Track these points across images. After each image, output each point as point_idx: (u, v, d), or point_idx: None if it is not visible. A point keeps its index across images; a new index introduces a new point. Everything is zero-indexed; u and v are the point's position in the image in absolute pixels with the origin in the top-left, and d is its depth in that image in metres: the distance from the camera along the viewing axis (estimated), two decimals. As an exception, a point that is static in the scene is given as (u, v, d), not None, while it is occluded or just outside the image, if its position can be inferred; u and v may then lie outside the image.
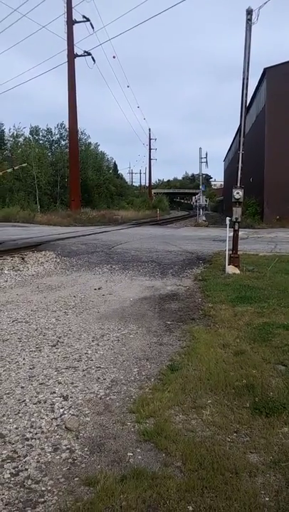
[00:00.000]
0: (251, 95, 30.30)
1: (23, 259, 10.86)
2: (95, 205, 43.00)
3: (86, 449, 2.76)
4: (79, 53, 31.71)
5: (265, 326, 5.15)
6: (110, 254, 11.61)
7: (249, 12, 8.97)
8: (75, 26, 31.23)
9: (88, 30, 35.20)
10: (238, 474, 2.48)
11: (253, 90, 30.27)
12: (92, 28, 32.68)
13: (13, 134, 43.86)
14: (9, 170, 31.77)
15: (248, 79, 9.14)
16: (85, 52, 31.79)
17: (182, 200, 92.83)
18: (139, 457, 2.66)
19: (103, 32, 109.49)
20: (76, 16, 31.47)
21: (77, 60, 31.71)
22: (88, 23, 31.12)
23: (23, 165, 32.84)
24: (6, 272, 9.34)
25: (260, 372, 3.82)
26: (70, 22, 30.92)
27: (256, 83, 29.46)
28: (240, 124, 9.39)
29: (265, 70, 27.04)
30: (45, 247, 12.61)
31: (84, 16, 31.09)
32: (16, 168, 32.00)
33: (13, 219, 27.71)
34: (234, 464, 2.56)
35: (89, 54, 31.85)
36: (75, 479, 2.45)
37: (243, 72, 9.12)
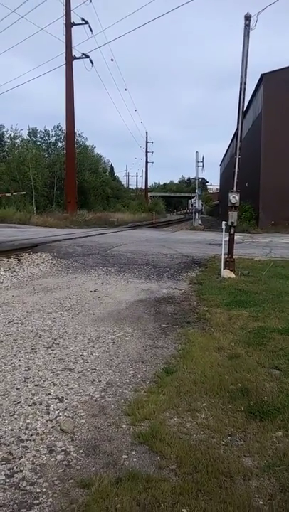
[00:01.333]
0: (248, 101, 30.46)
1: (19, 260, 10.84)
2: (91, 207, 42.94)
3: (81, 451, 2.76)
4: (77, 56, 31.78)
5: (260, 330, 5.18)
6: (106, 257, 11.62)
7: (247, 18, 9.03)
8: (74, 29, 31.29)
9: (87, 32, 35.18)
10: (233, 478, 2.49)
11: (250, 96, 30.44)
12: (91, 30, 32.58)
13: (10, 135, 43.83)
14: (8, 194, 31.99)
15: (245, 84, 9.20)
16: (83, 54, 31.86)
17: (178, 204, 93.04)
18: (134, 460, 2.67)
19: (102, 35, 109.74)
20: (75, 18, 31.55)
21: (75, 62, 31.78)
22: (87, 25, 31.23)
23: (22, 193, 33.04)
24: (1, 273, 9.32)
25: (255, 376, 3.85)
26: (69, 24, 30.97)
27: (253, 89, 29.65)
28: (237, 128, 9.45)
29: (262, 75, 27.21)
30: (42, 248, 12.59)
31: (82, 19, 31.18)
32: (14, 194, 32.17)
33: (9, 220, 27.64)
34: (228, 468, 2.58)
35: (87, 56, 31.94)
36: (70, 481, 2.45)
37: (241, 77, 9.18)
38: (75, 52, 31.75)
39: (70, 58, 31.24)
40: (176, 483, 2.43)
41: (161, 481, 2.44)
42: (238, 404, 3.35)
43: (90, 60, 32.26)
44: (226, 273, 8.91)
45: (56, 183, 41.40)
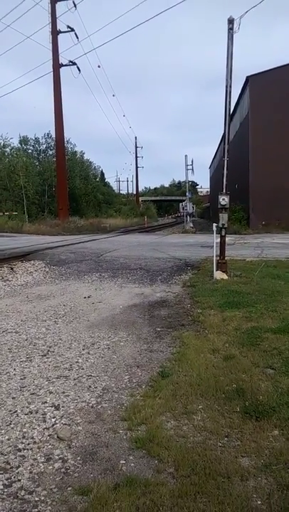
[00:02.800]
0: (235, 103, 30.70)
1: (11, 269, 10.81)
2: (83, 213, 42.92)
3: (79, 458, 2.76)
4: (64, 63, 31.83)
5: (254, 330, 5.21)
6: (99, 263, 11.62)
7: (231, 21, 9.12)
8: (60, 36, 31.36)
9: (73, 40, 35.17)
10: (230, 478, 2.51)
11: (237, 98, 30.67)
12: (77, 37, 32.77)
13: (0, 144, 43.74)
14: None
15: (231, 87, 9.28)
16: (70, 61, 31.88)
17: (169, 207, 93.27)
18: (132, 465, 2.68)
19: (88, 41, 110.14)
20: (61, 26, 31.65)
21: (62, 69, 31.82)
22: (73, 33, 31.31)
23: (14, 213, 33.12)
24: (-6, 282, 9.28)
25: (250, 376, 3.87)
26: (55, 32, 31.01)
27: (239, 91, 29.88)
28: (225, 131, 9.52)
29: (248, 78, 27.43)
30: (34, 256, 12.56)
31: (68, 26, 31.20)
32: (6, 213, 32.25)
33: (1, 229, 27.57)
34: (226, 469, 2.59)
35: (74, 64, 31.97)
36: (69, 489, 2.46)
37: (226, 80, 9.26)
38: (62, 60, 31.77)
39: (57, 66, 31.27)
40: (175, 487, 2.44)
41: (159, 484, 2.45)
42: (233, 404, 3.37)
43: (77, 67, 32.30)
44: (218, 275, 8.95)
45: (47, 191, 41.38)
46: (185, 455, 2.72)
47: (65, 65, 31.78)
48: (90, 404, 3.50)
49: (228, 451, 2.79)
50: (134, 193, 79.41)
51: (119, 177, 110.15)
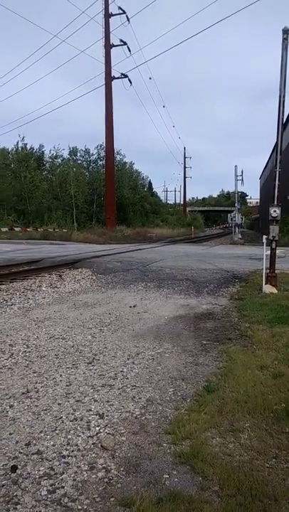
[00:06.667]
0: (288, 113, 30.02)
1: (60, 276, 11.08)
2: (130, 222, 43.45)
3: (122, 468, 2.75)
4: (116, 76, 32.61)
5: (305, 347, 5.00)
6: (145, 272, 11.66)
7: (285, 31, 8.98)
8: (113, 50, 32.20)
9: (125, 53, 36.00)
10: (278, 501, 2.40)
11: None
12: (129, 51, 33.44)
13: (52, 154, 45.32)
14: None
15: (284, 97, 9.10)
16: (122, 74, 32.68)
17: (217, 218, 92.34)
18: (176, 479, 2.63)
19: (140, 54, 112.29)
20: (114, 39, 32.47)
21: (114, 82, 32.60)
22: (125, 46, 32.05)
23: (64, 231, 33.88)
24: (44, 288, 9.55)
25: (300, 395, 3.70)
26: (108, 46, 31.91)
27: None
28: (277, 141, 9.33)
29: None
30: (82, 264, 12.81)
31: (121, 40, 32.06)
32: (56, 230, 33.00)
33: (51, 237, 28.41)
34: (273, 491, 2.48)
35: (126, 76, 32.72)
36: (111, 499, 2.44)
37: (280, 90, 9.10)
38: (114, 72, 32.64)
39: (109, 79, 32.10)
40: (219, 506, 2.36)
41: (203, 502, 2.38)
42: (282, 425, 3.23)
43: (129, 80, 33.04)
44: (267, 288, 8.71)
45: (96, 200, 42.31)
46: (231, 474, 2.63)
47: (117, 78, 32.59)
48: (134, 415, 3.48)
49: (275, 473, 2.68)
50: (182, 202, 79.41)
51: (166, 187, 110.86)
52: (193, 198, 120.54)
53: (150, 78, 56.64)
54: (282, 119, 9.21)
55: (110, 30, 31.90)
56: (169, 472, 2.70)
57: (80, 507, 2.38)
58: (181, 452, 2.89)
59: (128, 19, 31.66)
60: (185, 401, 3.74)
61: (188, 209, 79.17)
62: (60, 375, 4.36)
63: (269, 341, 5.37)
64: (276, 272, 9.26)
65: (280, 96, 9.09)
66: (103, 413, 3.51)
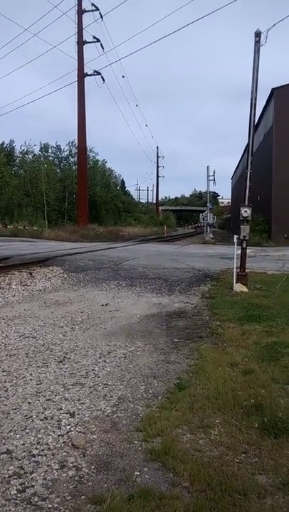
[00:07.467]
0: (259, 115, 30.60)
1: (30, 274, 10.91)
2: (102, 221, 43.21)
3: (93, 466, 2.73)
4: (89, 73, 32.34)
5: (274, 345, 5.12)
6: (117, 271, 11.64)
7: (257, 34, 9.14)
8: (86, 46, 31.90)
9: (98, 50, 35.77)
10: (247, 496, 2.44)
11: (261, 110, 30.59)
12: (102, 48, 33.25)
13: (23, 150, 44.57)
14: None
15: (256, 99, 9.27)
16: (95, 71, 32.41)
17: (189, 217, 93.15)
18: (147, 476, 2.64)
19: (113, 51, 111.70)
20: (87, 36, 32.19)
21: (87, 78, 32.31)
22: (98, 43, 31.82)
23: (35, 228, 33.23)
24: (13, 286, 9.38)
25: (269, 392, 3.79)
26: (81, 42, 31.57)
27: (264, 103, 29.79)
28: (248, 143, 9.49)
29: (273, 90, 27.37)
30: (53, 262, 12.66)
31: (94, 37, 31.79)
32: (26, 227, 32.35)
33: (21, 234, 27.94)
34: (243, 485, 2.53)
35: (98, 73, 32.46)
36: (82, 497, 2.43)
37: (252, 93, 9.26)
38: (87, 69, 32.34)
39: (81, 75, 31.78)
40: (190, 501, 2.38)
41: (174, 498, 2.40)
42: (252, 420, 3.29)
43: (102, 77, 32.79)
44: (238, 287, 8.85)
45: (68, 198, 41.88)
46: (201, 469, 2.66)
47: (90, 75, 32.30)
48: (106, 413, 3.47)
49: (245, 468, 2.73)
50: (154, 202, 79.62)
51: (139, 186, 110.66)
52: (166, 197, 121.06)
53: (123, 76, 56.90)
54: (254, 120, 9.38)
55: (83, 26, 31.62)
56: (140, 469, 2.71)
57: (50, 505, 2.36)
58: (152, 449, 2.90)
59: (101, 16, 31.43)
60: (156, 398, 3.76)
61: (160, 208, 79.39)
62: (31, 374, 4.30)
63: (239, 339, 5.46)
64: (246, 270, 9.43)
65: (251, 98, 9.25)
66: (74, 412, 3.49)
